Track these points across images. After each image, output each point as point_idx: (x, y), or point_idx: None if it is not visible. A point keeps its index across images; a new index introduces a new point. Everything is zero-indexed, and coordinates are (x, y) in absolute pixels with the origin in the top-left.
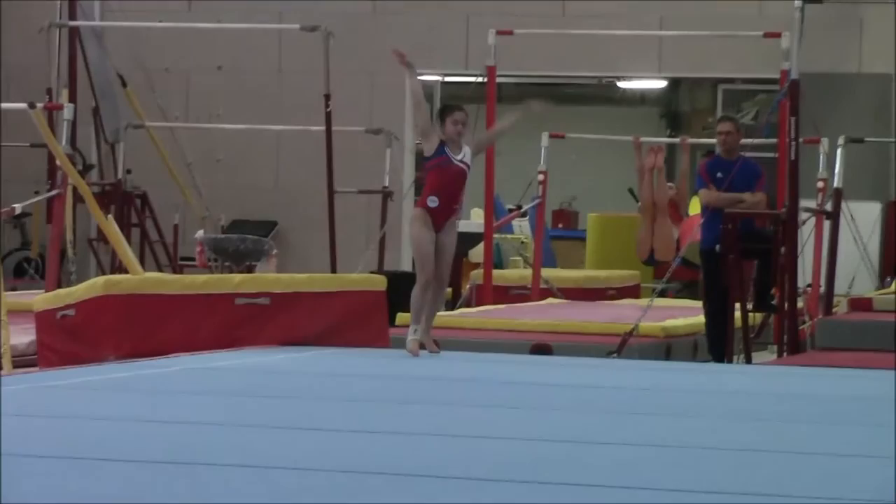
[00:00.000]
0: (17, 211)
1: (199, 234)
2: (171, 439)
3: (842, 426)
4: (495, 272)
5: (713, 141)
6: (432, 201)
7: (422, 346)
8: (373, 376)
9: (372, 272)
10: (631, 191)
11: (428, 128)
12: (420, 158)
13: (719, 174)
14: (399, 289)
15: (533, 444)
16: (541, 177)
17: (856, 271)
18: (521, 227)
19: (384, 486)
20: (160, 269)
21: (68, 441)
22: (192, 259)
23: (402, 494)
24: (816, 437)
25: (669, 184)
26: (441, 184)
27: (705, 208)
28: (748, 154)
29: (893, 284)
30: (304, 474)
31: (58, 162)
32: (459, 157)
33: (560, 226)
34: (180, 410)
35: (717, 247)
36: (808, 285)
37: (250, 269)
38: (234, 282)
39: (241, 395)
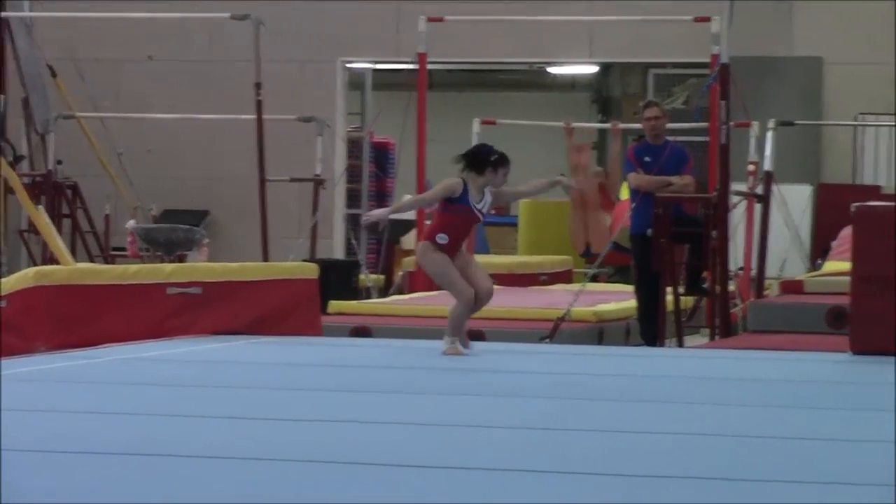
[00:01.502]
0: None
1: (131, 223)
2: (103, 430)
3: (772, 409)
4: None
5: None
6: (442, 238)
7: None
8: (305, 365)
9: (304, 261)
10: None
11: (450, 187)
12: (353, 146)
13: (647, 158)
14: (331, 277)
15: (463, 430)
16: None
17: (787, 254)
18: None
19: (322, 473)
20: (91, 260)
21: None
22: (124, 249)
23: (326, 482)
24: (746, 420)
25: (599, 168)
26: (454, 225)
27: (635, 193)
28: (677, 138)
29: (824, 266)
30: (242, 463)
31: None
32: (480, 206)
33: (492, 212)
34: (112, 401)
35: (649, 231)
36: (740, 268)
37: (182, 259)
38: (165, 272)
39: (172, 385)
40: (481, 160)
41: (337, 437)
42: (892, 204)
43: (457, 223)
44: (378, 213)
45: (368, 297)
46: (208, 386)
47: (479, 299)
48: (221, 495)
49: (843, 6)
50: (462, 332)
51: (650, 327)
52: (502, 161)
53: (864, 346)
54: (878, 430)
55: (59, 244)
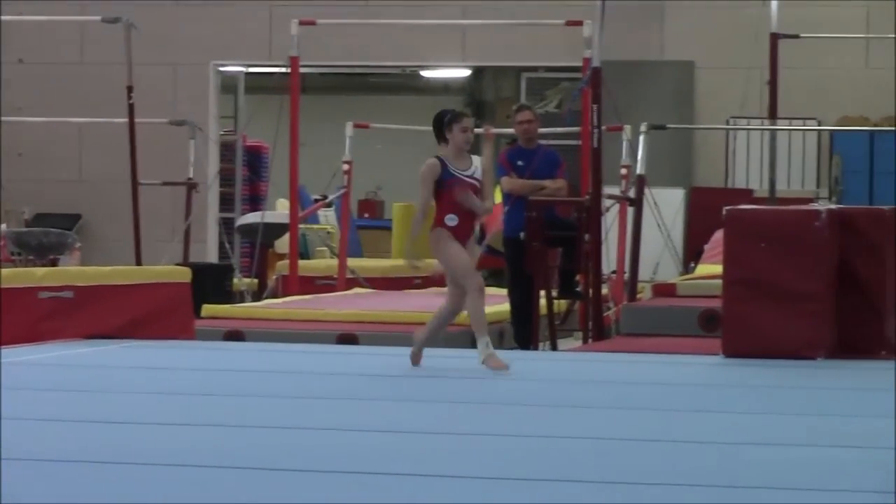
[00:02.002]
0: None
1: (2, 227)
2: None
3: (644, 411)
4: (301, 263)
5: None
6: (451, 220)
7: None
8: (178, 369)
9: (177, 264)
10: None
11: (430, 173)
12: (226, 149)
13: (520, 162)
14: (204, 281)
15: (337, 434)
16: (346, 167)
17: (660, 257)
18: (327, 218)
19: (188, 476)
20: None
21: None
22: None
23: (191, 485)
24: (618, 423)
25: None
26: (454, 202)
27: (507, 197)
28: (550, 142)
29: (697, 269)
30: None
31: None
32: (469, 173)
33: (366, 215)
34: None
35: (522, 235)
36: (613, 272)
37: (54, 263)
38: (37, 275)
39: (44, 389)
40: (439, 129)
41: (201, 442)
42: (763, 207)
43: (454, 199)
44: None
45: (242, 300)
46: (75, 391)
47: (457, 298)
48: (83, 496)
49: (713, 11)
50: (487, 333)
51: (523, 330)
52: (454, 118)
53: (735, 350)
54: (749, 432)
55: None
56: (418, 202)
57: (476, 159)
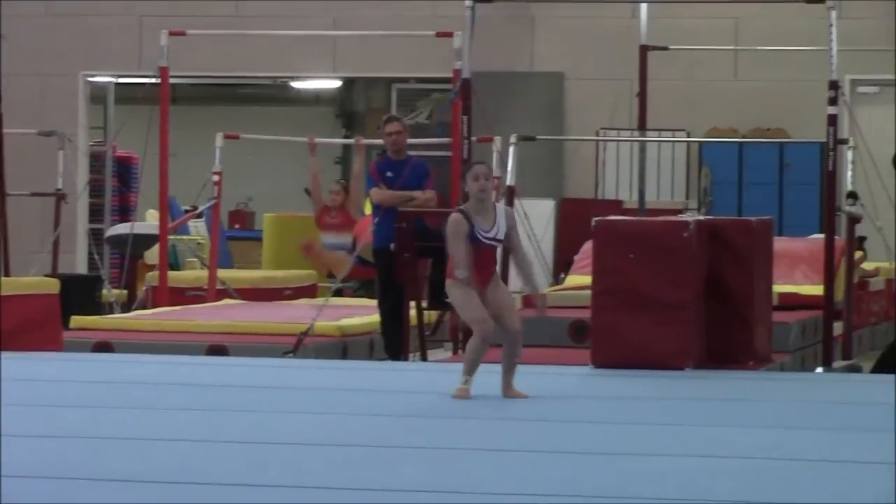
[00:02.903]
0: None
1: None
2: None
3: (513, 422)
4: (171, 274)
5: None
6: (461, 273)
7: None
8: (47, 381)
9: (46, 275)
10: (307, 191)
11: (458, 229)
12: (96, 160)
13: (389, 173)
14: (73, 292)
15: (205, 445)
16: (216, 177)
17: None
18: (197, 228)
19: (52, 489)
20: None
21: None
22: None
23: (57, 498)
24: (486, 433)
25: (339, 183)
26: (471, 258)
27: (377, 208)
28: (420, 153)
29: (567, 280)
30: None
31: None
32: (491, 234)
33: (236, 226)
34: None
35: (391, 245)
36: None
37: None
38: None
39: None
40: (462, 177)
41: (69, 454)
42: (632, 218)
43: (476, 257)
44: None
45: (111, 312)
46: None
47: (508, 339)
48: None
49: (583, 23)
50: (472, 373)
51: (394, 341)
52: (466, 168)
53: (604, 360)
54: (616, 443)
55: None
56: (457, 259)
57: (501, 213)
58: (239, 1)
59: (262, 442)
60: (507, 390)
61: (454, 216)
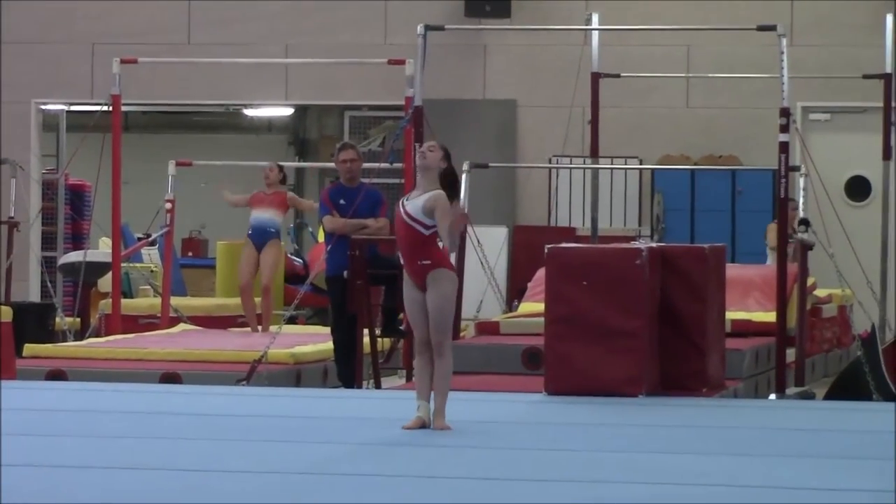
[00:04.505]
0: None
1: None
2: None
3: (461, 449)
4: (124, 301)
5: None
6: (400, 258)
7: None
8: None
9: None
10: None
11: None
12: (48, 188)
13: (342, 201)
14: (26, 320)
15: (159, 473)
16: (168, 205)
17: (483, 295)
18: (151, 256)
19: None
20: None
21: None
22: None
23: None
24: (435, 461)
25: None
26: (397, 238)
27: (329, 235)
28: (373, 180)
29: (520, 307)
30: None
31: None
32: (407, 207)
33: (190, 254)
34: None
35: (345, 273)
36: None
37: None
38: None
39: None
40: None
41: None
42: (585, 245)
43: (396, 234)
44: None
45: (65, 340)
46: None
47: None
48: None
49: (534, 50)
50: (422, 397)
51: (347, 369)
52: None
53: (558, 387)
54: (567, 470)
55: None
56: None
57: (430, 194)
58: (192, 27)
59: (215, 470)
60: (434, 419)
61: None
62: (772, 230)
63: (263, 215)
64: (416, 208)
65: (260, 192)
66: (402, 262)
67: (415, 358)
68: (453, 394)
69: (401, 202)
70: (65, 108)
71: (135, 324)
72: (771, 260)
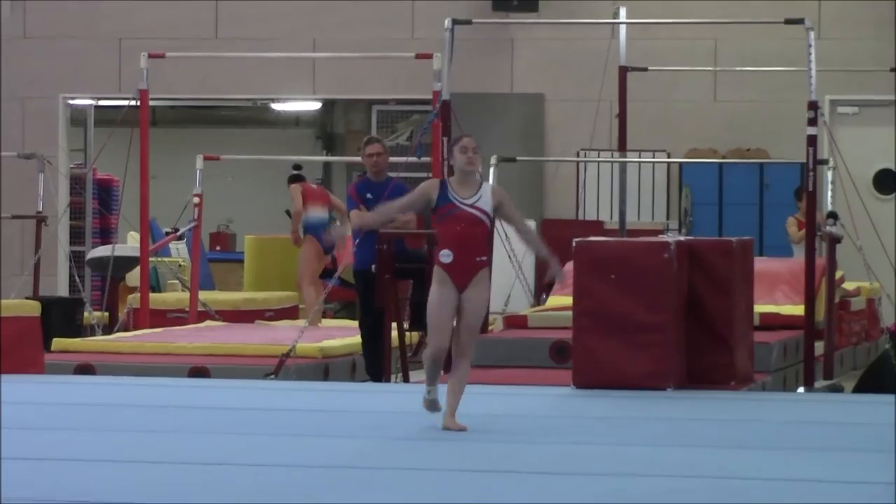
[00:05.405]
0: None
1: None
2: None
3: (495, 443)
4: (153, 296)
5: None
6: (445, 256)
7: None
8: (27, 403)
9: (27, 298)
10: (287, 212)
11: (424, 188)
12: (76, 183)
13: (369, 195)
14: (54, 315)
15: (187, 467)
16: (196, 199)
17: (511, 289)
18: (179, 250)
19: None
20: None
21: None
22: None
23: None
24: (463, 454)
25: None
26: (452, 234)
27: (357, 230)
28: (400, 174)
29: (549, 301)
30: None
31: None
32: (472, 202)
33: (217, 248)
34: None
35: (373, 267)
36: None
37: None
38: None
39: None
40: (449, 150)
41: (52, 477)
42: (612, 239)
43: (454, 230)
44: (357, 221)
45: (93, 334)
46: None
47: (454, 357)
48: None
49: (562, 44)
50: (434, 382)
51: (375, 362)
52: (453, 141)
53: (585, 381)
54: (598, 463)
55: None
56: (395, 203)
57: (486, 187)
58: (219, 21)
59: (243, 464)
60: (446, 419)
61: (431, 181)
62: (791, 224)
63: (318, 214)
64: (486, 204)
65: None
66: (444, 260)
67: (434, 365)
68: (481, 387)
69: (453, 197)
70: (92, 103)
71: (163, 318)
72: (797, 253)
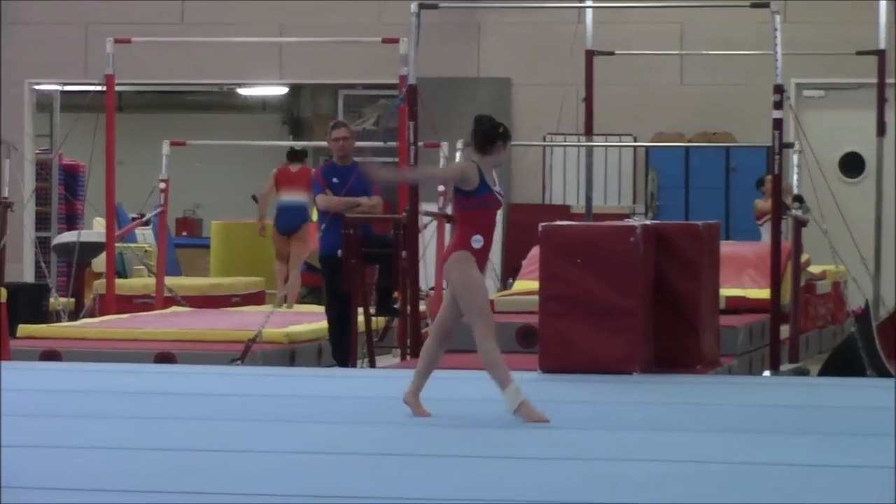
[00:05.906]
0: None
1: None
2: None
3: (456, 428)
4: (119, 281)
5: None
6: (477, 241)
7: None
8: None
9: None
10: (254, 197)
11: (467, 170)
12: (42, 168)
13: (335, 179)
14: (19, 301)
15: (152, 453)
16: (162, 185)
17: None
18: (145, 236)
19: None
20: None
21: None
22: None
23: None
24: (430, 439)
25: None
26: (486, 220)
27: (324, 214)
28: (366, 159)
29: (515, 285)
30: None
31: None
32: (499, 188)
33: (184, 234)
34: None
35: (339, 252)
36: (431, 288)
37: None
38: None
39: None
40: (492, 135)
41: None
42: (579, 223)
43: (487, 218)
44: (382, 174)
45: (59, 320)
46: None
47: (441, 339)
48: None
49: (529, 29)
50: (511, 377)
51: (342, 347)
52: (508, 132)
53: (552, 365)
54: (562, 448)
55: None
56: (433, 170)
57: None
58: (185, 6)
59: (210, 450)
60: (409, 396)
61: (470, 164)
62: (759, 205)
63: (291, 199)
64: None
65: (286, 173)
66: (475, 245)
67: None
68: (447, 371)
69: (490, 184)
70: (58, 88)
71: (129, 304)
72: (764, 237)
